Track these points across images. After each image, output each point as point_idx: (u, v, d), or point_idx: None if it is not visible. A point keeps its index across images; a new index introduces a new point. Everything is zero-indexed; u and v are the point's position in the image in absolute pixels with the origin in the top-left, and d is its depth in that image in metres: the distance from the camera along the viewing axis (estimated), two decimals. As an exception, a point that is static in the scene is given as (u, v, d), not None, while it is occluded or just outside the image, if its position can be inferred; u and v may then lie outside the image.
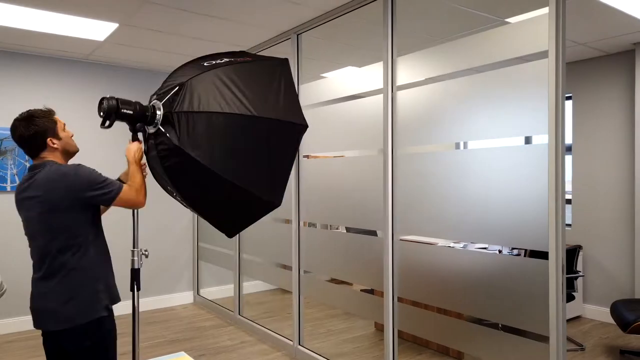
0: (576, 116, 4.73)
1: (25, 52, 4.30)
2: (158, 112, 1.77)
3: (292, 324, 3.65)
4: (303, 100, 3.58)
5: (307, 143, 3.55)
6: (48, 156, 1.91)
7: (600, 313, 4.54)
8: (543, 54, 2.10)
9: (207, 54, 1.95)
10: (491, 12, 3.25)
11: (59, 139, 1.92)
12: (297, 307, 3.61)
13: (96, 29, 3.63)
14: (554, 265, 2.05)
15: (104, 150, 4.68)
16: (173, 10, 3.23)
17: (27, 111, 1.89)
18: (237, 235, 4.40)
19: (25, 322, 4.26)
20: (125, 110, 1.79)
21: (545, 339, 2.10)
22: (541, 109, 2.11)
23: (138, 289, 2.01)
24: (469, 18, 3.36)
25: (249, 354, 3.70)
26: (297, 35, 3.60)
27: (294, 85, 1.96)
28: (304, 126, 1.93)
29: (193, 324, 4.48)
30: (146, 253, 2.01)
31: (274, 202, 1.91)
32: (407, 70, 2.79)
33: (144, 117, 1.79)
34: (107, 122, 1.80)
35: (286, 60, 1.98)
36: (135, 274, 2.01)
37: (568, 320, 4.56)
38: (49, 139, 1.88)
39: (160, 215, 5.04)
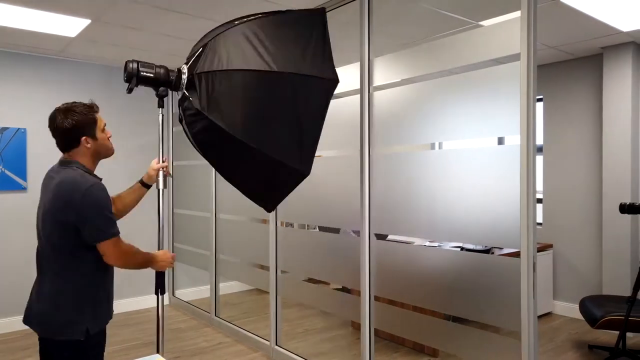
0: (547, 118, 4.86)
1: (-8, 48, 4.17)
2: (183, 76, 1.68)
3: (270, 324, 3.64)
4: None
5: (284, 143, 3.54)
6: (76, 155, 1.78)
7: (570, 309, 4.67)
8: (515, 57, 2.14)
9: (189, 50, 1.83)
10: (465, 15, 3.31)
11: (94, 139, 1.79)
12: (274, 307, 3.60)
13: (68, 25, 3.54)
14: (526, 264, 2.10)
15: (76, 150, 4.57)
16: (147, 7, 3.18)
17: (71, 103, 1.77)
18: (214, 235, 4.36)
19: (3, 324, 4.13)
20: (144, 73, 1.71)
21: (517, 335, 2.15)
22: (513, 110, 2.16)
23: (162, 293, 1.97)
24: (443, 20, 3.40)
25: (226, 355, 3.67)
26: (274, 34, 3.59)
27: (327, 37, 1.77)
28: (335, 81, 1.76)
29: (168, 326, 4.42)
30: None
31: (302, 170, 1.75)
32: (384, 71, 2.81)
33: (168, 82, 1.72)
34: (129, 87, 1.73)
35: (323, 10, 1.80)
36: (160, 277, 2.02)
37: (539, 317, 4.68)
38: (83, 138, 1.76)
39: (135, 215, 4.94)
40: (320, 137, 1.83)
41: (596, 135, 4.48)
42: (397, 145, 2.76)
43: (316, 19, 1.77)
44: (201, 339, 4.07)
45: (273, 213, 3.60)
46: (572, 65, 4.66)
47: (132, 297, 4.92)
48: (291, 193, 3.50)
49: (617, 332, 3.44)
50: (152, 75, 1.72)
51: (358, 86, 2.93)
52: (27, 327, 1.77)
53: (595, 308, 3.53)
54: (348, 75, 3.02)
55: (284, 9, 1.80)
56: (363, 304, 2.89)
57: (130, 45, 4.07)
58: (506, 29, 2.19)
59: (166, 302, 5.19)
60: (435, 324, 2.53)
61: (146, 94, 4.96)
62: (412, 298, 2.64)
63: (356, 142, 2.95)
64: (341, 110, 3.07)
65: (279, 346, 3.59)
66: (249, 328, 4.03)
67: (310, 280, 3.79)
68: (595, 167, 4.49)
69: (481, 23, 3.42)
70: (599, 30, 3.75)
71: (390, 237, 3.26)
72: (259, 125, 1.66)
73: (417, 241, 3.24)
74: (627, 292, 4.08)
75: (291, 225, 4.62)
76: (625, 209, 3.31)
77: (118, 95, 4.83)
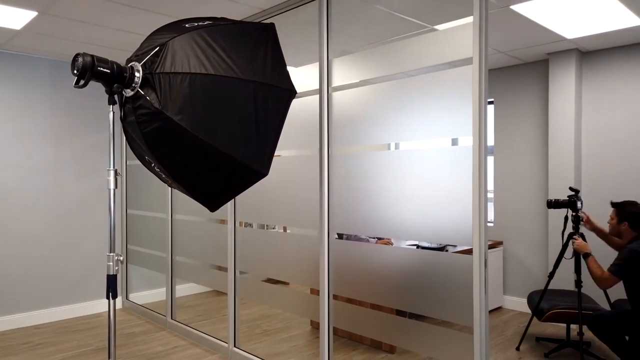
0: (497, 120, 5.05)
1: None
2: (137, 74, 1.64)
3: (227, 325, 3.60)
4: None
5: (243, 142, 3.50)
6: None
7: (519, 303, 4.88)
8: (468, 61, 2.22)
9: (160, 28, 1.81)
10: (421, 19, 3.39)
11: None
12: (232, 309, 3.56)
13: (12, 17, 3.36)
14: (478, 260, 2.18)
15: (23, 147, 4.35)
16: (98, 0, 3.06)
17: None
18: (170, 237, 4.26)
19: None
20: (101, 68, 1.64)
21: (469, 329, 2.23)
22: (466, 112, 2.24)
23: (114, 296, 1.89)
24: (400, 24, 3.48)
25: (182, 359, 3.59)
26: (233, 32, 3.55)
27: (281, 51, 1.88)
28: (293, 92, 1.86)
29: (121, 331, 4.28)
30: (121, 258, 1.90)
31: (261, 171, 1.82)
32: (343, 71, 2.84)
33: (122, 78, 1.66)
34: (82, 81, 1.65)
35: (272, 25, 1.90)
36: (111, 280, 1.89)
37: (490, 311, 4.86)
38: None
39: (86, 217, 4.76)
40: (280, 137, 1.87)
41: (542, 137, 4.71)
42: (356, 145, 2.79)
43: (268, 34, 1.86)
44: (156, 342, 3.97)
45: (232, 213, 3.56)
46: (520, 70, 4.87)
47: (83, 301, 4.73)
48: (251, 193, 3.48)
49: (563, 324, 3.64)
50: (108, 71, 1.66)
51: (317, 86, 2.95)
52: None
53: (542, 302, 3.71)
54: (307, 76, 3.03)
55: (234, 18, 1.81)
56: (322, 303, 2.91)
57: (79, 39, 3.91)
58: (459, 34, 2.26)
59: (119, 306, 5.03)
60: (393, 321, 2.59)
61: (95, 89, 4.79)
62: (370, 296, 2.69)
63: (315, 142, 2.97)
64: (300, 110, 3.07)
65: (237, 348, 3.55)
66: (206, 330, 3.97)
67: (269, 280, 3.77)
68: (542, 167, 4.72)
69: (436, 27, 3.52)
70: (546, 37, 3.94)
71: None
72: (222, 128, 1.68)
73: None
74: (571, 286, 4.31)
75: (250, 225, 4.59)
76: (551, 204, 3.52)
77: (66, 90, 4.63)
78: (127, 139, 1.83)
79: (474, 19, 2.19)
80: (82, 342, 3.96)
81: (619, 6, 3.25)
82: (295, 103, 3.11)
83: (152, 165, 1.81)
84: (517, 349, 3.78)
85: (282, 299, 3.28)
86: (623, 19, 3.51)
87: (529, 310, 4.78)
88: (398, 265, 2.55)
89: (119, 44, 4.05)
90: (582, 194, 4.46)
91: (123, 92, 1.72)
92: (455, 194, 2.29)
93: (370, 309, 2.72)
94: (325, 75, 2.89)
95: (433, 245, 4.19)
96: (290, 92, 1.86)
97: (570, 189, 3.47)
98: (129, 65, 1.70)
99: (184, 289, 5.41)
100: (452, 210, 2.30)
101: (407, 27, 3.54)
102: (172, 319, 4.30)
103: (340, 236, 3.08)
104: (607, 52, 4.31)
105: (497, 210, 5.06)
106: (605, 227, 3.43)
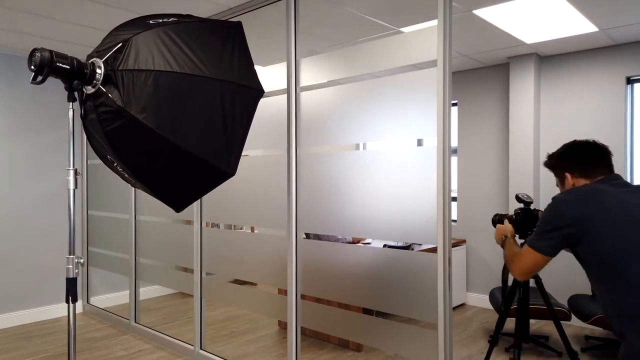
0: (460, 121, 5.18)
1: None
2: (98, 70, 1.59)
3: (193, 328, 3.54)
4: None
5: (209, 142, 3.45)
6: None
7: (481, 300, 5.02)
8: (432, 63, 2.27)
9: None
10: (387, 21, 3.44)
11: None
12: (198, 311, 3.51)
13: (-37, 9, 3.20)
14: (442, 258, 2.23)
15: (-27, 146, 4.14)
16: (58, -6, 2.96)
17: None
18: (133, 238, 4.15)
19: None
20: (60, 64, 1.57)
21: (434, 326, 2.27)
22: (431, 113, 2.29)
23: (74, 300, 1.81)
24: (367, 25, 3.51)
25: (146, 363, 3.51)
26: (198, 30, 3.49)
27: (248, 50, 1.86)
28: (261, 91, 1.84)
29: (82, 336, 4.14)
30: (82, 261, 1.83)
31: (228, 171, 1.80)
32: (311, 71, 2.84)
33: (82, 75, 1.60)
34: (39, 77, 1.57)
35: (240, 23, 1.88)
36: (71, 283, 1.81)
37: (454, 308, 4.98)
38: None
39: (45, 218, 4.58)
40: (247, 136, 1.86)
41: (503, 138, 4.86)
42: (324, 145, 2.80)
43: (235, 32, 1.84)
44: (119, 347, 3.86)
45: (198, 213, 3.51)
46: (482, 73, 5.01)
47: (40, 305, 4.55)
48: (217, 193, 3.43)
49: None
50: (68, 67, 1.60)
51: (285, 86, 2.94)
52: None
53: (503, 298, 3.82)
54: (275, 75, 3.02)
55: (201, 15, 1.78)
56: (290, 303, 2.91)
57: (37, 33, 3.76)
58: (424, 36, 2.31)
59: (79, 310, 4.86)
60: (359, 320, 2.61)
61: (54, 86, 4.61)
62: (337, 295, 2.70)
63: (283, 142, 2.96)
64: (268, 109, 3.06)
65: (203, 350, 3.50)
66: (171, 333, 3.89)
67: (236, 281, 3.73)
68: (503, 167, 4.87)
69: (402, 29, 3.58)
70: (506, 41, 4.07)
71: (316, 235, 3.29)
72: (187, 127, 1.66)
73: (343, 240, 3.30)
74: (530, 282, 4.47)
75: (217, 225, 4.53)
76: (495, 221, 2.45)
77: (23, 87, 4.44)
78: (87, 137, 1.77)
79: (439, 22, 2.23)
80: (39, 349, 3.81)
81: (575, 13, 3.39)
82: (263, 102, 3.08)
83: (115, 164, 1.76)
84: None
85: (249, 299, 3.25)
86: (579, 26, 3.67)
87: (490, 307, 4.92)
88: (365, 265, 2.57)
89: (79, 40, 3.92)
90: (540, 194, 4.63)
91: (83, 89, 1.66)
92: (421, 193, 2.33)
93: (337, 308, 2.74)
94: (293, 75, 2.89)
95: (399, 244, 4.25)
96: (257, 92, 1.85)
97: (517, 199, 2.49)
98: (89, 61, 1.64)
99: (148, 292, 5.29)
100: (417, 209, 2.34)
101: (374, 28, 3.58)
102: (135, 322, 4.19)
103: (307, 236, 3.09)
104: (564, 56, 4.49)
105: (460, 209, 5.19)
106: None
